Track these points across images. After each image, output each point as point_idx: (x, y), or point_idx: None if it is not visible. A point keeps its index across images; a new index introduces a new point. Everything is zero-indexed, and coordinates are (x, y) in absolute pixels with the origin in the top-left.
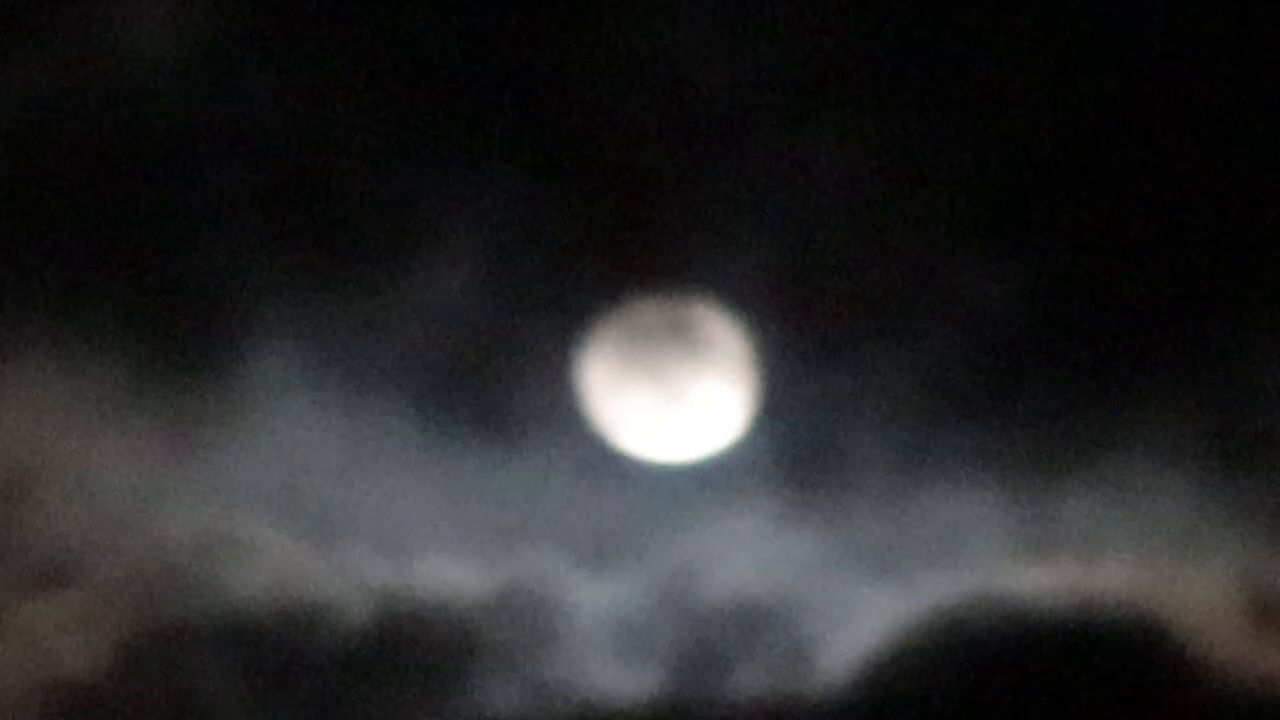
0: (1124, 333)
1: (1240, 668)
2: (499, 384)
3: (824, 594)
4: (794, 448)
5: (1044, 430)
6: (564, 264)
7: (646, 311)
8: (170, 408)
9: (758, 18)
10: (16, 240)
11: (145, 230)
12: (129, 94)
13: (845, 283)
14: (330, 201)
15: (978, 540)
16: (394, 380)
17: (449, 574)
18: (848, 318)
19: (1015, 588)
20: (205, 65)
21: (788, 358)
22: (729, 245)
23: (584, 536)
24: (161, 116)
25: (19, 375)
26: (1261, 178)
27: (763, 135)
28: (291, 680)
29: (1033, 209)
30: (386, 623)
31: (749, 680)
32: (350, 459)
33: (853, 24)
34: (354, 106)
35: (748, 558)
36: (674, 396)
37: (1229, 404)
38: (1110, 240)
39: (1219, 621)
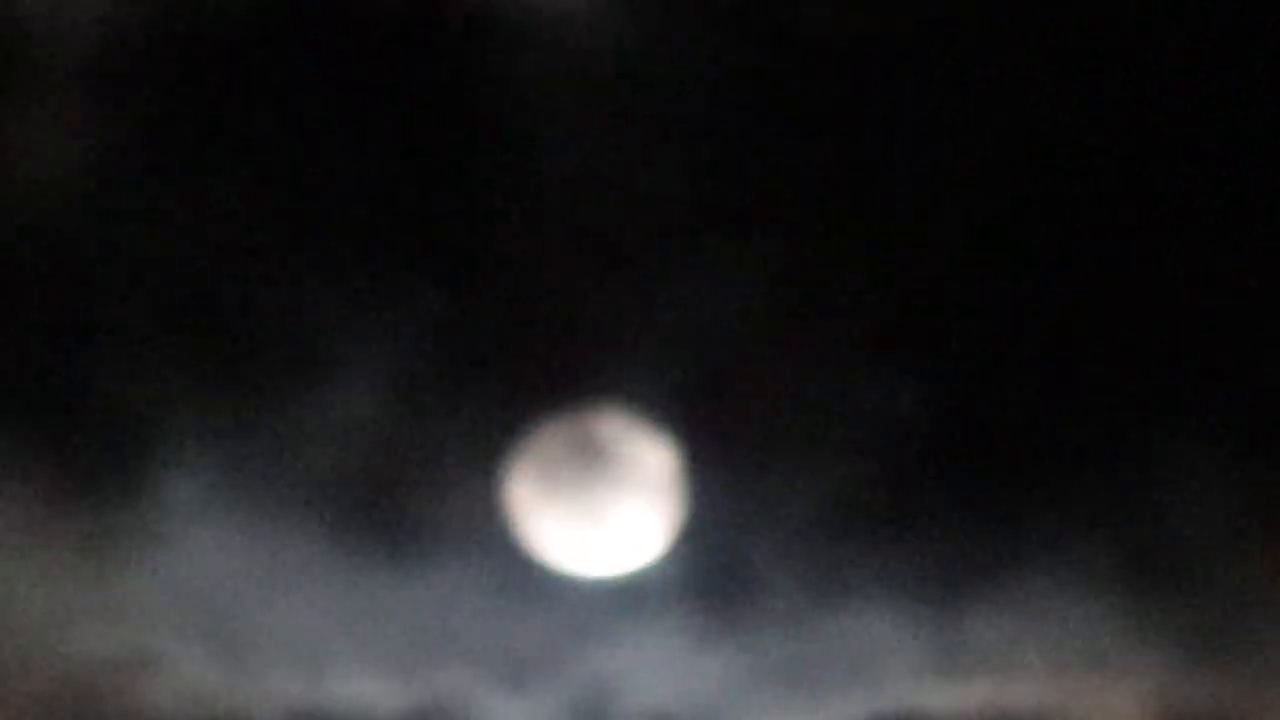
0: (1032, 451)
1: None
2: (413, 500)
3: (738, 712)
4: (707, 566)
5: (955, 548)
6: (477, 380)
7: (559, 429)
8: (81, 528)
9: (659, 139)
10: None
11: (55, 350)
12: (31, 215)
13: (755, 402)
14: (240, 320)
15: (890, 658)
16: (308, 497)
17: (363, 691)
18: (758, 437)
19: (928, 705)
20: (112, 186)
21: (699, 477)
22: (640, 364)
23: (499, 653)
24: (67, 237)
25: None
26: (1166, 298)
27: (672, 253)
28: None
29: (939, 327)
30: None
31: None
32: (264, 576)
33: (754, 147)
34: (264, 225)
35: (663, 676)
36: (587, 514)
37: (1138, 521)
38: (1018, 358)
39: None
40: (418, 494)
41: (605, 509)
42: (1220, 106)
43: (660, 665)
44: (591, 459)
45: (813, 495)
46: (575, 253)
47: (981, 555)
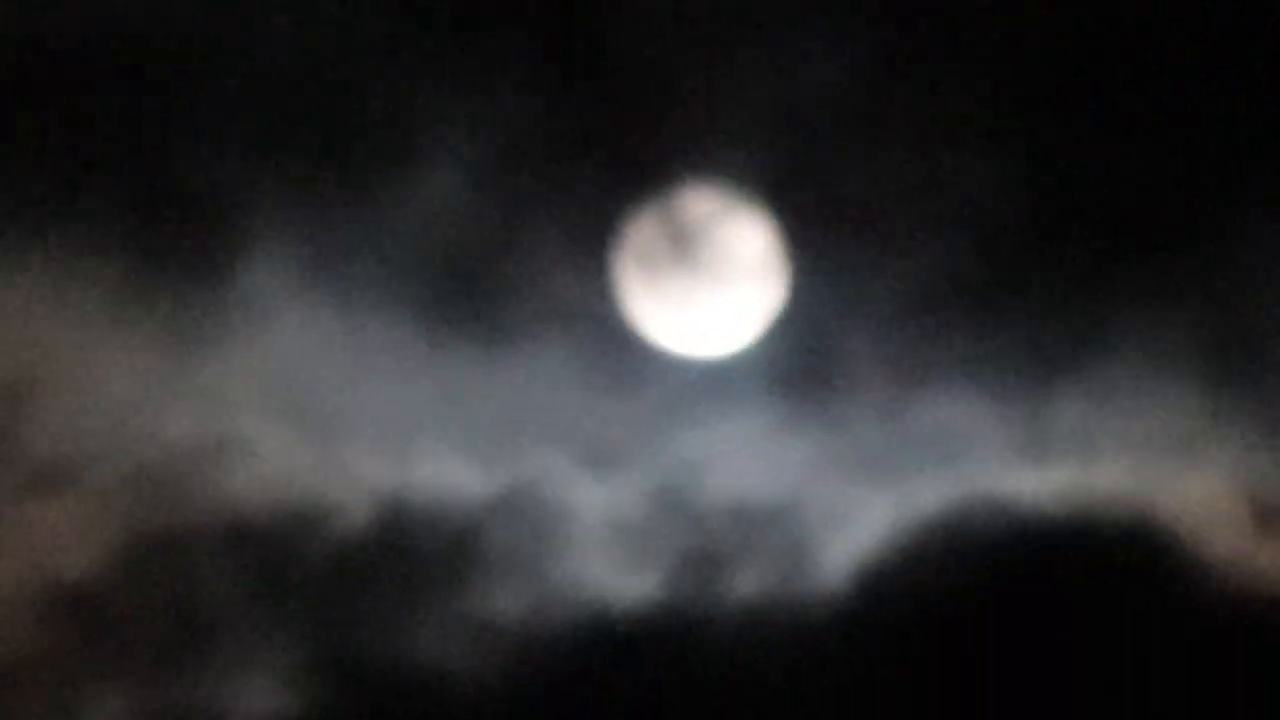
0: (1117, 236)
1: (1236, 566)
2: (497, 286)
3: (822, 497)
4: (792, 352)
5: (1039, 334)
6: (561, 166)
7: (644, 214)
8: (169, 311)
9: None
10: (13, 146)
11: (141, 136)
12: (123, 2)
13: (838, 189)
14: (326, 105)
15: (974, 443)
16: (392, 282)
17: (449, 475)
18: (841, 224)
19: (1011, 489)
20: None
21: (792, 261)
22: (734, 146)
23: (584, 438)
24: (155, 23)
25: (16, 281)
26: (1254, 87)
27: (764, 36)
28: (291, 581)
29: (1022, 114)
30: (387, 524)
31: (748, 582)
32: (350, 361)
33: None
34: (348, 9)
35: (747, 460)
36: (673, 301)
37: (1222, 306)
38: (1101, 144)
39: (1215, 520)
40: (507, 278)
41: (690, 294)
42: None
43: (746, 450)
44: (685, 242)
45: (900, 281)
46: (665, 34)
47: (1066, 341)
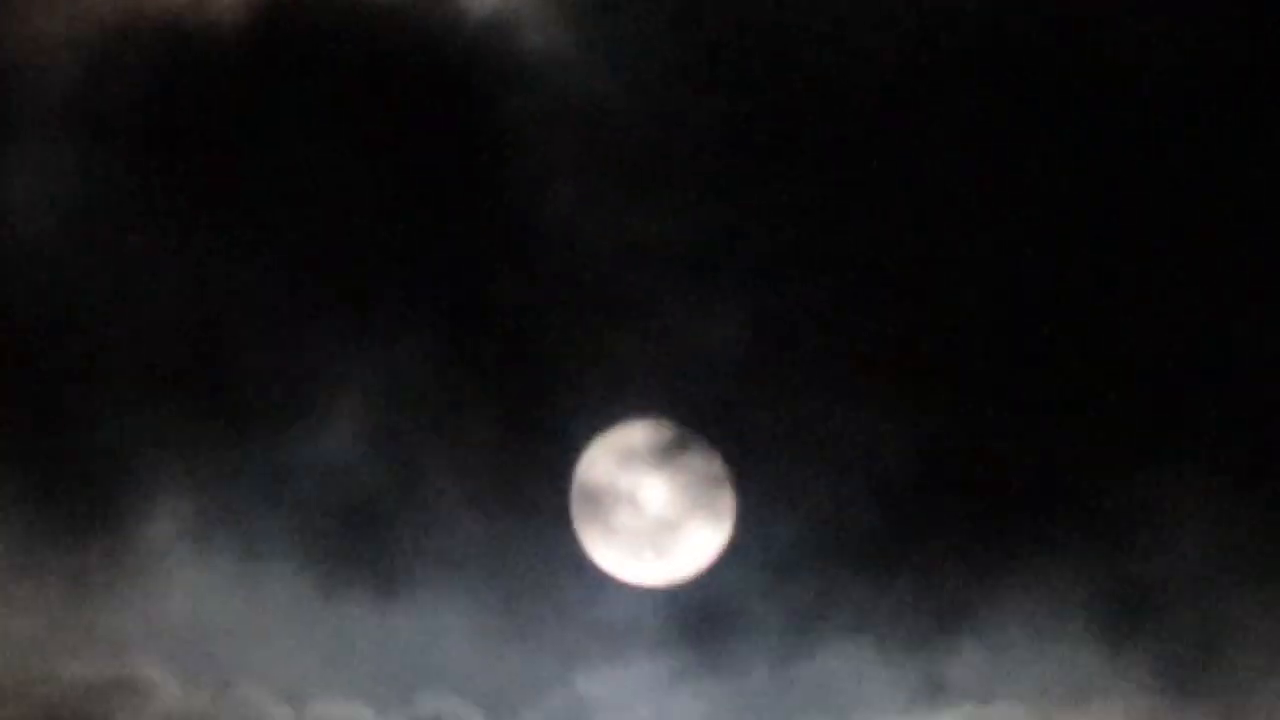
0: (1011, 490)
1: None
2: (393, 534)
3: None
4: (689, 602)
5: (934, 586)
6: (452, 421)
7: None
8: (70, 560)
9: (645, 192)
10: None
11: (44, 386)
12: (19, 253)
13: (739, 446)
14: (230, 355)
15: (870, 693)
16: (290, 531)
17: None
18: (741, 478)
19: None
20: (98, 227)
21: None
22: (618, 413)
23: (479, 683)
24: (53, 276)
25: None
26: (1144, 349)
27: (654, 301)
28: None
29: (918, 372)
30: None
31: None
32: (248, 606)
33: (745, 195)
34: (252, 265)
35: (643, 711)
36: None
37: (1116, 556)
38: (1001, 401)
39: None
40: (398, 528)
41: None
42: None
43: (641, 701)
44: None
45: (794, 535)
46: (553, 300)
47: (963, 588)
